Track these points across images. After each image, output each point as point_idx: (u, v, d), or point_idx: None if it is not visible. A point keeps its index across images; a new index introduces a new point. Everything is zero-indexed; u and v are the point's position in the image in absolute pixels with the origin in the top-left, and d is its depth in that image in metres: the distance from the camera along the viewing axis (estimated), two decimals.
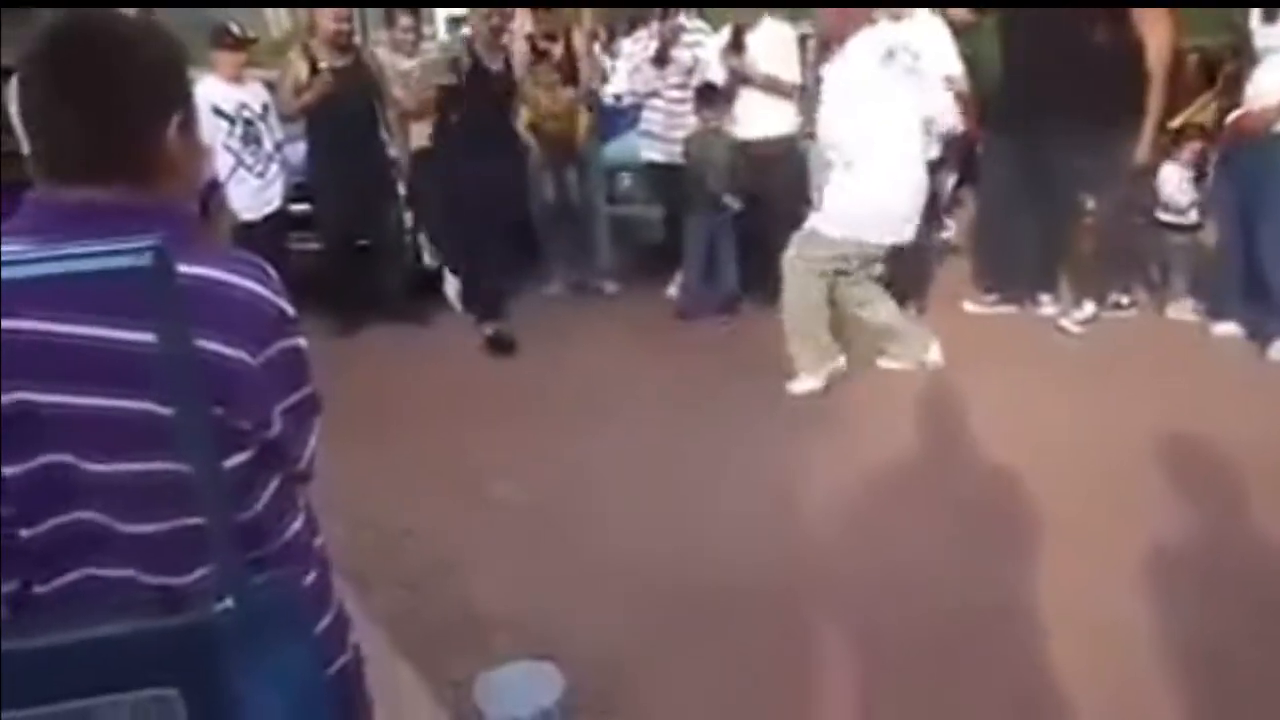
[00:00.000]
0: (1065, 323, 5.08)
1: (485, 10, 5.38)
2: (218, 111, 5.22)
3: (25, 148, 1.22)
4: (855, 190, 4.23)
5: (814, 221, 4.39)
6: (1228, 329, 4.73)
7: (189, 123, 1.25)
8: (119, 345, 1.13)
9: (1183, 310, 5.13)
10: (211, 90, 5.21)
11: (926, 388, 4.38)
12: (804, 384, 4.42)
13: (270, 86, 5.74)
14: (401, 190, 6.00)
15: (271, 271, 1.26)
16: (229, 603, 1.00)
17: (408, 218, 6.07)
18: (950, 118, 4.95)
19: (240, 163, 5.33)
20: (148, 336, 1.09)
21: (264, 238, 5.24)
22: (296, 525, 1.35)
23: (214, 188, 1.51)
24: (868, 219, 4.27)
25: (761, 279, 5.31)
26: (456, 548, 3.30)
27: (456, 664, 2.64)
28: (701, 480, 3.68)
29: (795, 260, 4.38)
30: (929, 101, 4.43)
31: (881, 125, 4.18)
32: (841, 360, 4.51)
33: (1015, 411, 4.06)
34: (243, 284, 1.19)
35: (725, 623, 2.83)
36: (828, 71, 4.43)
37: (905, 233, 4.38)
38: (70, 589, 1.24)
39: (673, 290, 6.01)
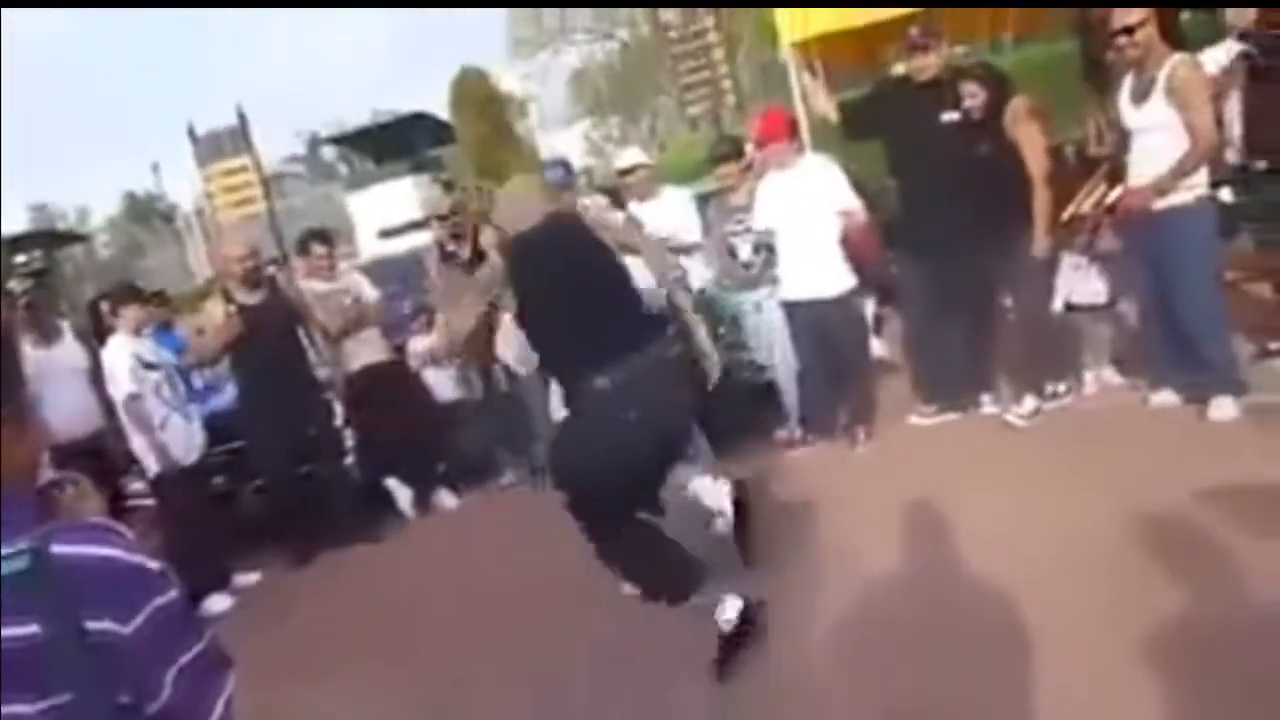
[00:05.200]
0: (1010, 418, 5.12)
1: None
2: (144, 363, 5.28)
3: None
4: None
5: None
6: (1165, 398, 4.79)
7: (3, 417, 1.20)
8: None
9: (1114, 387, 5.21)
10: (128, 344, 5.32)
11: (889, 505, 4.33)
12: None
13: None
14: (339, 409, 6.01)
15: (124, 530, 1.21)
16: None
17: (347, 436, 6.06)
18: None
19: (171, 409, 5.34)
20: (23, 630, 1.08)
21: (198, 481, 5.32)
22: None
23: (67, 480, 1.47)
24: None
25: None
26: None
27: None
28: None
29: None
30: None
31: None
32: None
33: (980, 515, 4.01)
34: (92, 551, 1.14)
35: None
36: None
37: None
38: None
39: None
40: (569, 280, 3.23)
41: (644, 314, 3.34)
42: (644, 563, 3.42)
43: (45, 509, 1.32)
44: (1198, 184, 4.44)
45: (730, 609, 3.35)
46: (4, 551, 1.08)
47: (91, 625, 1.10)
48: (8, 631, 1.08)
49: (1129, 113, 4.54)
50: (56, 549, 1.11)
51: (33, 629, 1.07)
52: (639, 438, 3.17)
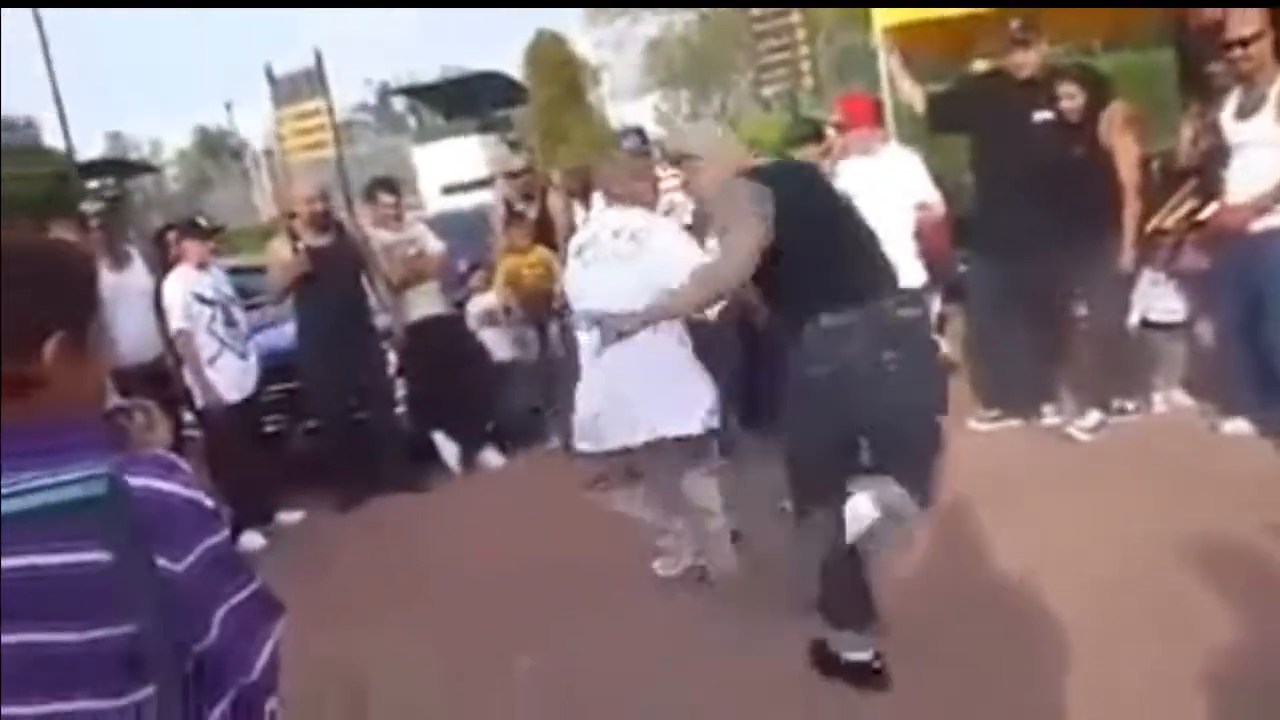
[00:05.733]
0: (1072, 431, 4.99)
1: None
2: (200, 299, 5.31)
3: None
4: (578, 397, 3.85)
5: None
6: (1238, 426, 4.63)
7: (78, 340, 1.20)
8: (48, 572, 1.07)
9: (1184, 409, 5.06)
10: (187, 279, 5.34)
11: (941, 506, 4.24)
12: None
13: (246, 271, 5.89)
14: (393, 360, 6.03)
15: (183, 464, 1.20)
16: None
17: (399, 386, 6.08)
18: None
19: (224, 345, 5.37)
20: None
21: (246, 419, 5.35)
22: None
23: (136, 407, 1.46)
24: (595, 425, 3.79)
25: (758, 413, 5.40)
26: None
27: None
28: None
29: None
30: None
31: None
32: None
33: (1035, 526, 3.93)
34: (155, 485, 1.12)
35: None
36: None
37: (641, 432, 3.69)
38: None
39: None
40: (823, 214, 3.05)
41: (882, 267, 3.10)
42: (838, 558, 3.06)
43: (115, 436, 1.31)
44: None
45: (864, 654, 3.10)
46: (79, 475, 1.07)
47: (157, 560, 1.10)
48: (72, 557, 1.07)
49: (1233, 127, 4.36)
50: (130, 479, 1.10)
51: (99, 555, 1.06)
52: (866, 389, 2.89)
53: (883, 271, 3.09)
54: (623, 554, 4.21)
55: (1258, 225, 4.28)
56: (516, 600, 4.11)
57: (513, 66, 27.99)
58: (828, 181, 3.19)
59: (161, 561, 1.11)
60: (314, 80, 13.66)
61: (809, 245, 2.94)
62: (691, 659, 3.42)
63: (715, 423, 3.75)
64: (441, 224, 6.91)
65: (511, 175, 6.32)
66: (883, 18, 6.17)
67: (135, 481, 1.11)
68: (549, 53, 28.22)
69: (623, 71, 35.99)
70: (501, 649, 3.71)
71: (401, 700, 3.37)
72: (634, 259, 3.67)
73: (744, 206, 2.91)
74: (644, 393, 3.62)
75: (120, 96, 70.08)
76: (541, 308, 5.97)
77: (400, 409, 6.08)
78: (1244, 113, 4.31)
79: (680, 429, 3.67)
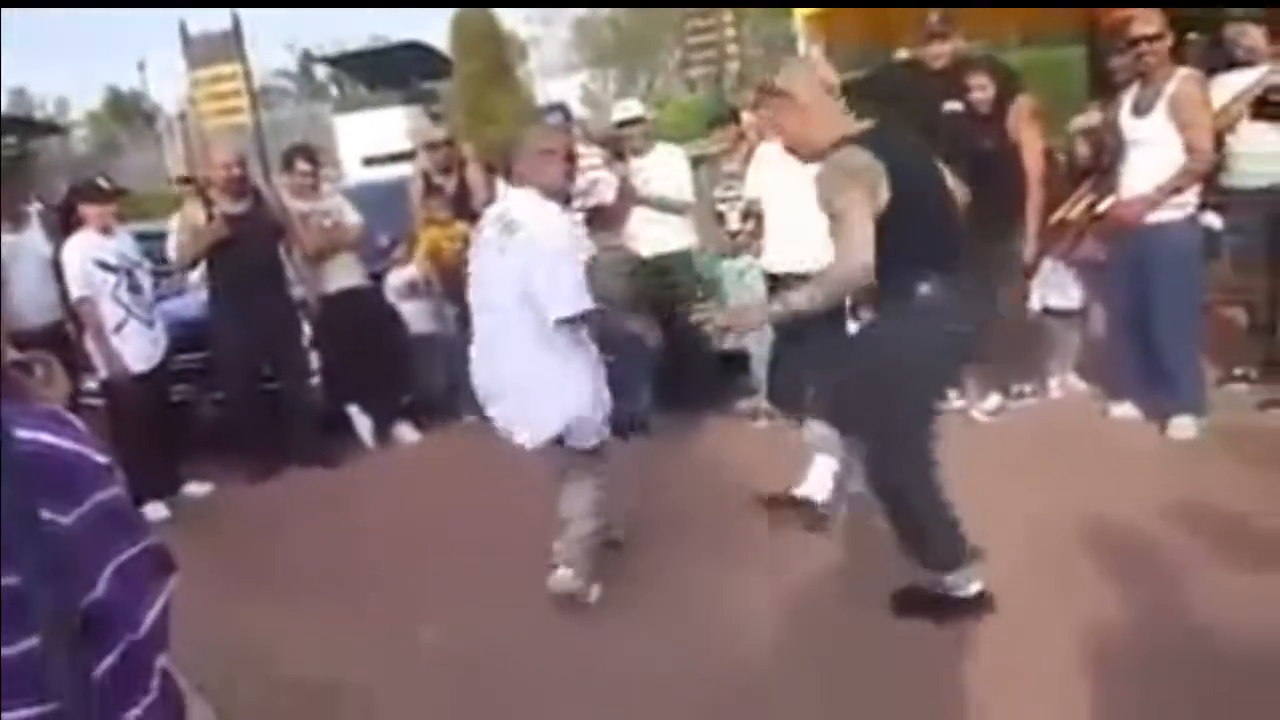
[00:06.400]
0: (974, 413, 5.17)
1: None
2: (102, 265, 5.15)
3: None
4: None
5: None
6: (1126, 410, 4.86)
7: None
8: None
9: (1077, 393, 5.28)
10: (88, 244, 5.16)
11: None
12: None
13: (156, 237, 5.72)
14: (308, 331, 5.94)
15: (74, 419, 1.19)
16: None
17: (314, 358, 6.00)
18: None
19: (130, 313, 5.21)
20: None
21: (153, 388, 5.21)
22: (137, 711, 1.18)
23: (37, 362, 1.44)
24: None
25: (673, 393, 5.45)
26: (391, 703, 3.15)
27: None
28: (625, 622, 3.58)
29: None
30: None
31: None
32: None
33: None
34: (40, 437, 1.11)
35: None
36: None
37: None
38: None
39: None
40: (923, 174, 3.04)
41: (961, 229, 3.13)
42: (931, 505, 3.19)
43: (10, 390, 1.29)
44: (1189, 202, 4.47)
45: (975, 586, 3.25)
46: None
47: (42, 512, 1.09)
48: None
49: (1129, 124, 4.55)
50: (18, 431, 1.09)
51: None
52: (951, 355, 3.06)
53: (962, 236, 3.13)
54: (536, 532, 4.22)
55: (1150, 219, 4.48)
56: (428, 576, 4.11)
57: (440, 38, 27.53)
58: (925, 144, 3.17)
59: (47, 514, 1.10)
60: (231, 42, 13.31)
61: (918, 212, 2.92)
62: (603, 634, 3.48)
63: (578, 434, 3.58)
64: (362, 195, 6.82)
65: (431, 147, 6.26)
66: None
67: (23, 433, 1.10)
68: (474, 24, 27.77)
69: (551, 47, 35.74)
70: (412, 624, 3.70)
71: (310, 676, 3.35)
72: (504, 251, 3.52)
73: (855, 190, 2.83)
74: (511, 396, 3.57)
75: (24, 50, 66.81)
76: (460, 281, 5.93)
77: (314, 381, 6.00)
78: (1139, 110, 4.50)
79: (528, 438, 3.57)
